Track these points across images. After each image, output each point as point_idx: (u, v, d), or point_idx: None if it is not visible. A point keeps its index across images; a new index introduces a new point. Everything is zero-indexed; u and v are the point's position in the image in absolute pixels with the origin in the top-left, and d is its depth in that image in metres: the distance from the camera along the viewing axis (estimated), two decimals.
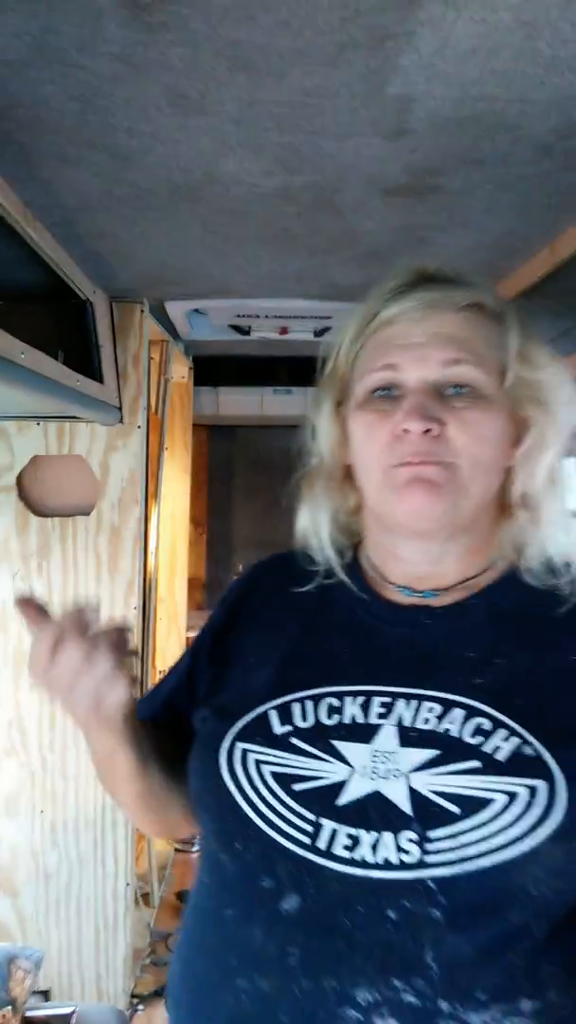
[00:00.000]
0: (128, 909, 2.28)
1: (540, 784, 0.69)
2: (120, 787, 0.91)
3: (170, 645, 3.17)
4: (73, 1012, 1.61)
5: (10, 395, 1.54)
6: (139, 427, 2.23)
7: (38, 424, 2.21)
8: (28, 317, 1.88)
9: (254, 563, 1.02)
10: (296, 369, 3.26)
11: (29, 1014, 1.61)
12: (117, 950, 2.28)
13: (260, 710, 0.82)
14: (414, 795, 0.72)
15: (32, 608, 0.81)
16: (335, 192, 1.37)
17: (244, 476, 3.91)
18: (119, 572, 2.24)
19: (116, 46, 0.93)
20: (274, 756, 0.78)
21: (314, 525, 0.92)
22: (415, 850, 0.69)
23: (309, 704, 0.81)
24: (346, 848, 0.71)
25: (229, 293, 2.15)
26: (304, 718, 0.80)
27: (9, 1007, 1.57)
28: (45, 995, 1.87)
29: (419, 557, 0.86)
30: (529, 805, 0.68)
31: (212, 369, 3.37)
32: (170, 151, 1.21)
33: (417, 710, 0.77)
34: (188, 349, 3.14)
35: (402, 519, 0.81)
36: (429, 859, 0.68)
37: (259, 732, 0.80)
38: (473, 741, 0.73)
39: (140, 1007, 2.52)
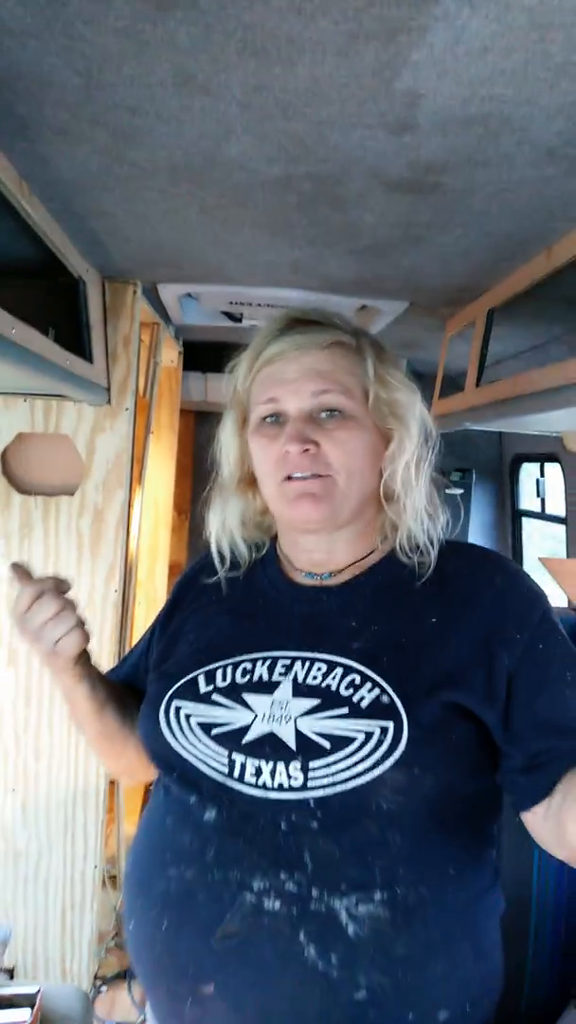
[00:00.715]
0: (95, 891, 2.28)
1: (390, 725, 0.89)
2: (83, 724, 1.17)
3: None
4: (38, 991, 1.61)
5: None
6: (127, 409, 2.22)
7: (24, 400, 2.19)
8: (19, 292, 1.86)
9: (200, 555, 1.23)
10: None
11: None
12: (83, 931, 2.29)
13: (191, 675, 1.03)
14: (299, 735, 0.92)
15: (22, 571, 1.06)
16: (337, 184, 1.36)
17: (209, 480, 3.88)
18: (101, 554, 2.23)
19: (124, 21, 0.91)
20: (199, 709, 0.99)
21: (225, 528, 1.14)
22: (300, 776, 0.90)
23: (229, 668, 1.01)
24: (252, 775, 0.92)
25: (223, 279, 2.13)
26: (224, 679, 1.01)
27: None
28: (10, 973, 1.87)
29: (315, 547, 1.07)
30: (380, 742, 0.89)
31: (202, 355, 3.35)
32: (173, 132, 1.19)
33: (309, 669, 0.97)
34: (179, 334, 3.12)
35: (296, 523, 1.04)
36: (310, 784, 0.89)
37: (189, 691, 1.02)
38: (345, 693, 0.94)
39: (104, 988, 2.53)
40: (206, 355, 3.37)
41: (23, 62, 1.01)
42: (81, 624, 1.05)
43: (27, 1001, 1.59)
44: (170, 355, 3.15)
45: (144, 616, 3.17)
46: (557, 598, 2.69)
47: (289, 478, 1.00)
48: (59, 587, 1.04)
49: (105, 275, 2.14)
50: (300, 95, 1.06)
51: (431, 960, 0.89)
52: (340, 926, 0.86)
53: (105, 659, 2.13)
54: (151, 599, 3.23)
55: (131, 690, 1.19)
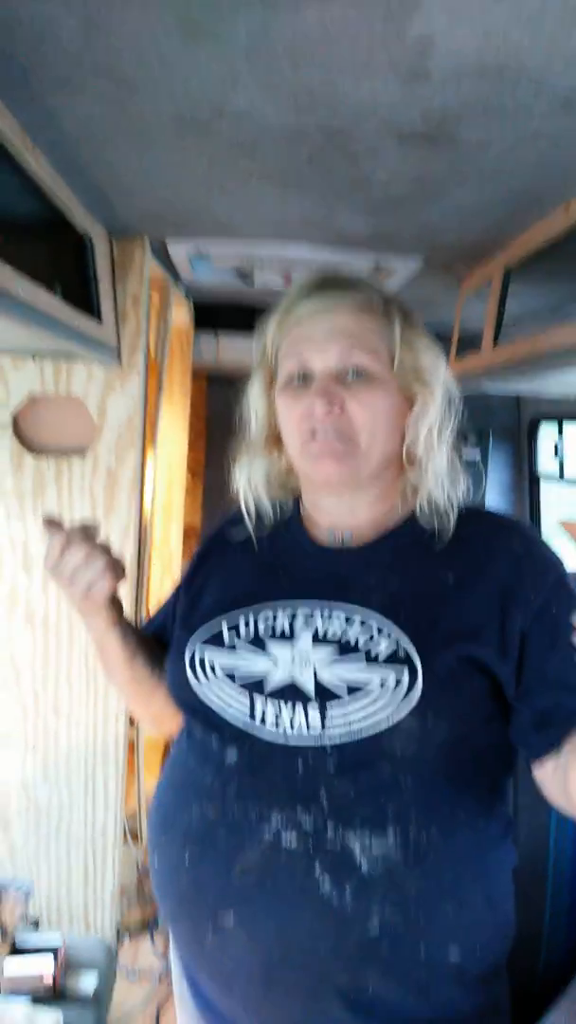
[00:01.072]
0: (117, 845, 2.33)
1: (405, 674, 0.94)
2: (113, 671, 1.24)
3: (163, 591, 3.18)
4: (63, 941, 1.66)
5: (6, 328, 1.51)
6: (138, 370, 2.20)
7: (34, 360, 2.18)
8: (25, 249, 1.83)
9: (221, 517, 1.29)
10: None
11: (19, 942, 1.65)
12: (105, 884, 2.34)
13: (216, 625, 1.09)
14: (318, 681, 0.98)
15: (53, 524, 1.11)
16: (348, 135, 1.32)
17: (242, 426, 3.87)
18: (115, 516, 2.23)
19: None
20: (223, 657, 1.05)
21: (251, 486, 1.17)
22: (318, 721, 0.95)
23: (251, 617, 1.07)
24: (272, 720, 0.98)
25: (232, 234, 2.09)
26: (247, 628, 1.06)
27: None
28: (35, 925, 1.93)
29: (336, 508, 1.11)
30: (395, 690, 0.94)
31: (213, 315, 3.31)
32: (178, 81, 1.16)
33: (328, 620, 1.02)
34: (189, 293, 3.08)
35: (318, 481, 1.08)
36: (327, 729, 0.95)
37: (214, 640, 1.07)
38: (363, 643, 0.99)
39: (127, 939, 2.60)
40: (218, 316, 3.33)
41: (21, 8, 0.98)
42: (113, 566, 1.10)
43: (51, 950, 1.64)
44: (181, 315, 3.11)
45: (159, 578, 3.19)
46: None
47: (313, 437, 1.04)
48: (86, 532, 1.09)
49: (112, 232, 2.11)
50: (309, 42, 1.02)
51: (441, 900, 0.94)
52: (354, 862, 0.92)
53: None
54: (166, 561, 3.25)
55: (160, 643, 1.26)
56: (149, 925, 2.64)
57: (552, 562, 1.04)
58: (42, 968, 1.57)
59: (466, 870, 0.96)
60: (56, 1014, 1.49)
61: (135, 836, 2.81)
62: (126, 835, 2.62)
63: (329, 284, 1.07)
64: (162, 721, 1.28)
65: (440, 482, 1.06)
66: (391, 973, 0.92)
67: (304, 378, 1.05)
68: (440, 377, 1.07)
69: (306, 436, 1.04)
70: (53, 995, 1.57)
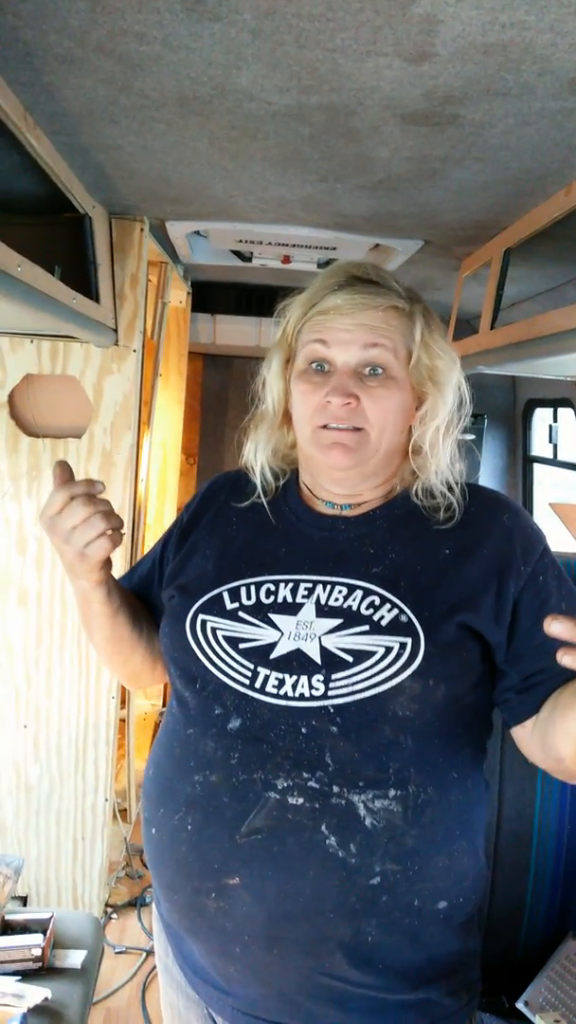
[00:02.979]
0: (105, 823, 2.35)
1: (408, 641, 0.98)
2: (94, 628, 1.20)
3: None
4: (51, 917, 1.68)
5: (4, 309, 1.50)
6: (134, 351, 2.20)
7: (31, 342, 2.17)
8: (24, 229, 1.82)
9: (215, 476, 1.30)
10: None
11: (8, 918, 1.67)
12: (94, 861, 2.36)
13: (216, 591, 1.09)
14: (323, 651, 1.00)
15: (64, 470, 1.06)
16: (351, 115, 1.31)
17: (238, 408, 3.86)
18: (109, 497, 2.22)
19: None
20: (225, 624, 1.06)
21: (256, 456, 1.19)
22: (321, 687, 0.98)
23: (252, 587, 1.08)
24: (274, 687, 1.00)
25: (232, 216, 2.08)
26: (248, 597, 1.07)
27: None
28: (23, 901, 1.94)
29: (338, 491, 1.13)
30: (399, 655, 0.97)
31: (211, 296, 3.30)
32: (181, 60, 1.15)
33: (330, 592, 1.05)
34: (187, 273, 3.06)
35: (325, 470, 1.10)
36: (331, 693, 0.97)
37: (215, 607, 1.08)
38: (366, 612, 1.02)
39: (114, 916, 2.63)
40: (216, 297, 3.32)
41: None
42: (113, 528, 1.05)
43: (40, 926, 1.66)
44: (178, 295, 3.10)
45: None
46: (566, 543, 2.69)
47: (325, 427, 1.06)
48: (91, 490, 1.04)
49: (112, 211, 2.10)
50: (313, 20, 1.02)
51: (435, 853, 0.99)
52: (358, 818, 0.95)
53: None
54: None
55: (141, 598, 1.26)
56: (137, 902, 2.67)
57: (538, 534, 1.10)
58: (31, 944, 1.59)
59: (456, 824, 1.01)
60: (44, 990, 1.50)
61: (124, 815, 2.83)
62: (115, 814, 2.64)
63: (359, 280, 1.08)
64: (139, 678, 1.31)
65: (440, 474, 1.11)
66: (389, 922, 0.96)
67: (323, 366, 1.08)
68: (452, 380, 1.10)
69: (318, 425, 1.07)
70: (42, 971, 1.59)
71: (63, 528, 1.03)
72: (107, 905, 2.60)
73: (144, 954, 2.45)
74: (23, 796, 2.33)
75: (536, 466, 3.51)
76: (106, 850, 2.38)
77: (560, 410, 3.12)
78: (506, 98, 1.21)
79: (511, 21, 0.98)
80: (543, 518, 3.28)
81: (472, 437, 3.45)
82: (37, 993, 1.50)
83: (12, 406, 2.22)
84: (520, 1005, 1.38)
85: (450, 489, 1.10)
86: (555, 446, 3.16)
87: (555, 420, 3.15)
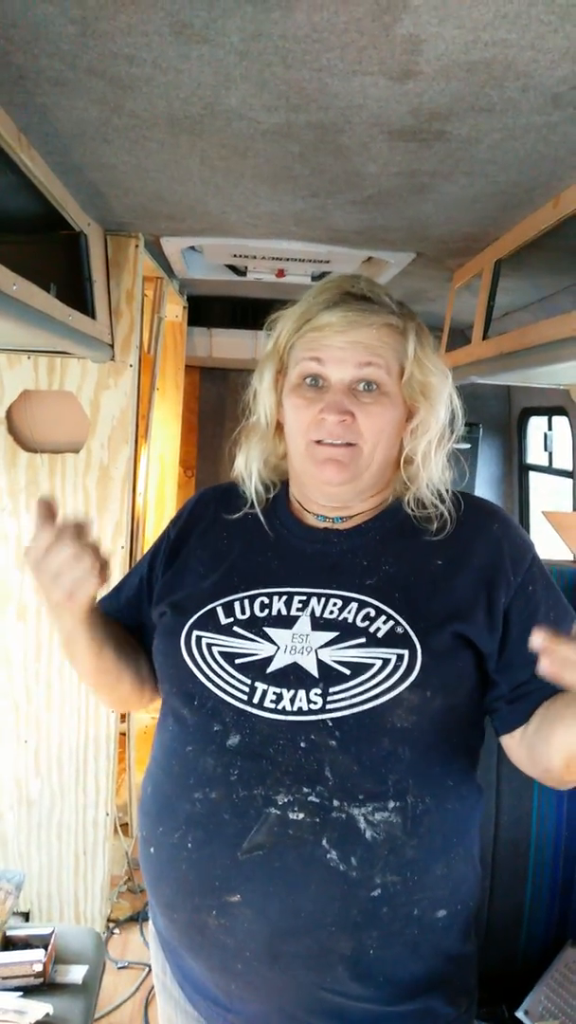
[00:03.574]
0: (107, 837, 2.35)
1: (405, 652, 0.98)
2: (79, 662, 1.19)
3: None
4: (52, 932, 1.68)
5: (2, 328, 1.52)
6: (131, 365, 2.21)
7: (28, 358, 2.19)
8: (20, 248, 1.85)
9: (202, 490, 1.30)
10: None
11: (9, 933, 1.67)
12: (95, 876, 2.36)
13: (209, 606, 1.08)
14: (320, 664, 1.00)
15: (47, 509, 1.01)
16: (339, 132, 1.33)
17: (235, 421, 3.87)
18: (107, 512, 2.25)
19: None
20: (220, 640, 1.05)
21: (247, 467, 1.19)
22: (319, 701, 0.98)
23: (247, 602, 1.07)
24: (272, 702, 0.99)
25: (226, 231, 2.11)
26: (243, 612, 1.07)
27: None
28: (25, 916, 1.94)
29: (330, 504, 1.13)
30: (396, 667, 0.97)
31: (206, 310, 3.32)
32: (171, 81, 1.17)
33: (325, 604, 1.05)
34: (183, 288, 3.09)
35: (319, 485, 1.10)
36: (329, 706, 0.97)
37: (209, 623, 1.07)
38: (362, 625, 1.02)
39: (116, 931, 2.62)
40: (211, 310, 3.34)
41: (17, 10, 0.99)
42: (99, 568, 1.00)
43: (41, 942, 1.66)
44: (174, 310, 3.12)
45: None
46: (560, 551, 2.69)
47: (319, 442, 1.06)
48: (79, 530, 1.00)
49: (107, 229, 2.12)
50: (300, 42, 1.04)
51: (433, 862, 0.99)
52: (359, 831, 0.95)
53: None
54: None
55: (122, 626, 1.22)
56: (139, 916, 2.66)
57: (528, 544, 1.11)
58: (32, 960, 1.59)
59: (453, 832, 1.02)
60: (46, 1005, 1.50)
61: (125, 829, 2.83)
62: (116, 828, 2.63)
63: (352, 297, 1.08)
64: (127, 703, 1.31)
65: (431, 486, 1.11)
66: (389, 934, 0.97)
67: (317, 382, 1.08)
68: (444, 394, 1.11)
69: (313, 437, 1.07)
70: (43, 986, 1.59)
71: (50, 568, 0.99)
72: (109, 920, 2.59)
73: (146, 969, 2.44)
74: (24, 811, 2.33)
75: (533, 474, 3.53)
76: (107, 864, 2.38)
77: (555, 418, 3.14)
78: (491, 114, 1.23)
79: (493, 39, 1.01)
80: (539, 526, 3.30)
81: (467, 446, 3.48)
82: (39, 1009, 1.50)
83: (10, 422, 2.24)
84: (520, 1014, 1.38)
85: (441, 499, 1.10)
86: (550, 454, 3.17)
87: (550, 428, 3.16)
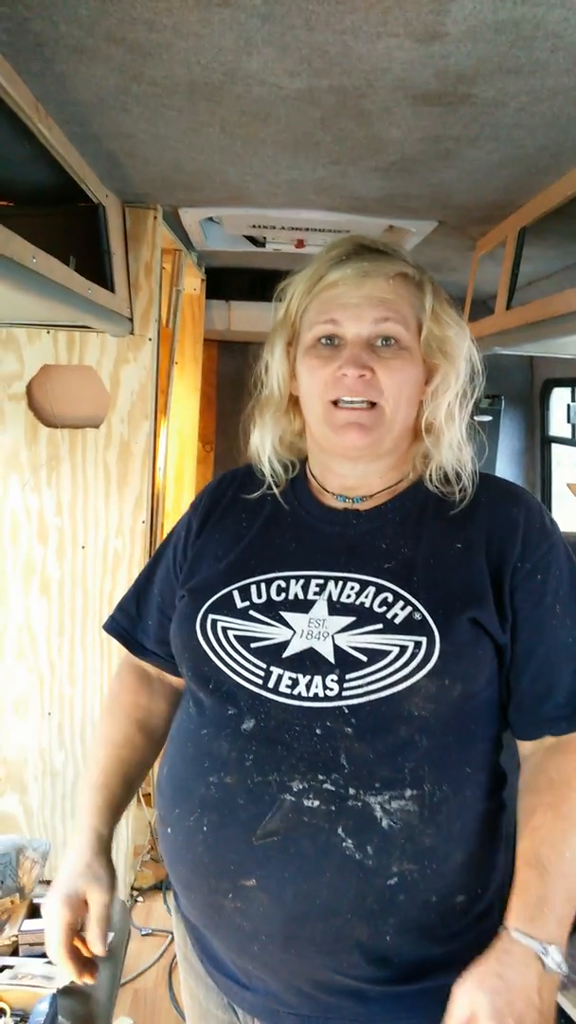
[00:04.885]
0: (130, 807, 2.37)
1: (423, 639, 0.96)
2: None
3: None
4: None
5: (20, 300, 1.51)
6: (150, 339, 2.20)
7: (48, 332, 2.18)
8: (38, 220, 1.83)
9: (221, 474, 1.27)
10: None
11: (36, 901, 1.69)
12: (119, 845, 2.39)
13: (225, 590, 1.07)
14: (337, 649, 0.98)
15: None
16: (362, 97, 1.30)
17: (253, 396, 3.85)
18: (128, 486, 2.25)
19: None
20: (236, 624, 1.04)
21: (263, 444, 1.16)
22: (336, 687, 0.96)
23: (263, 585, 1.06)
24: (288, 687, 0.98)
25: (245, 201, 2.08)
26: (259, 595, 1.05)
27: (17, 894, 1.66)
28: (51, 885, 1.97)
29: (350, 473, 1.10)
30: (414, 655, 0.95)
31: (224, 282, 3.29)
32: (191, 47, 1.15)
33: (342, 588, 1.02)
34: (201, 260, 3.06)
35: (339, 450, 1.07)
36: (345, 693, 0.95)
37: (225, 606, 1.05)
38: (380, 610, 0.99)
39: (140, 899, 2.66)
40: (230, 283, 3.31)
41: None
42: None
43: None
44: (193, 283, 3.10)
45: None
46: None
47: (337, 404, 1.03)
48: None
49: (125, 200, 2.10)
50: (323, 3, 1.01)
51: (452, 850, 0.97)
52: (375, 820, 0.94)
53: None
54: None
55: (159, 628, 1.21)
56: (162, 885, 2.70)
57: (547, 531, 1.06)
58: None
59: (472, 819, 0.99)
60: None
61: (148, 799, 2.87)
62: (139, 798, 2.67)
63: (365, 249, 1.05)
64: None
65: (454, 452, 1.08)
66: (406, 920, 0.95)
67: (332, 341, 1.04)
68: (464, 351, 1.07)
69: (330, 401, 1.03)
70: None
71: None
72: (133, 888, 2.64)
73: (170, 936, 2.48)
74: (49, 782, 2.36)
75: (556, 447, 3.49)
76: (131, 834, 2.42)
77: None
78: (519, 76, 1.20)
79: None
80: (562, 499, 3.26)
81: (489, 419, 3.44)
82: (65, 975, 1.53)
83: (30, 397, 2.24)
84: None
85: (464, 472, 1.07)
86: (573, 426, 3.13)
87: (573, 400, 3.12)
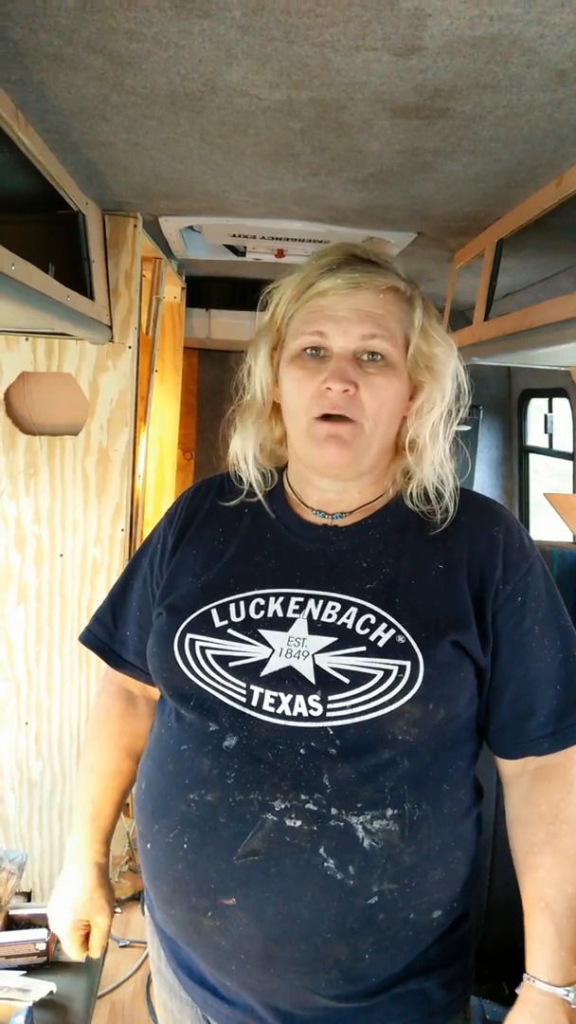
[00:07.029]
0: None
1: (407, 664, 0.95)
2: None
3: None
4: None
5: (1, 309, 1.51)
6: (130, 347, 2.20)
7: (26, 339, 2.17)
8: (17, 227, 1.83)
9: (197, 483, 1.25)
10: None
11: (12, 913, 1.68)
12: None
13: (204, 609, 1.05)
14: (317, 670, 0.97)
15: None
16: (341, 109, 1.32)
17: (234, 402, 3.86)
18: (107, 494, 2.24)
19: None
20: (214, 643, 1.02)
21: (243, 451, 1.13)
22: (319, 707, 0.95)
23: (242, 603, 1.04)
24: (271, 705, 0.96)
25: (225, 211, 2.08)
26: (238, 614, 1.03)
27: None
28: (27, 896, 1.95)
29: (330, 487, 1.08)
30: (398, 679, 0.94)
31: (205, 290, 3.30)
32: (171, 57, 1.15)
33: (323, 607, 1.01)
34: (181, 268, 3.06)
35: (319, 465, 1.04)
36: (329, 714, 0.94)
37: (203, 625, 1.03)
38: (362, 632, 0.98)
39: (118, 910, 2.64)
40: (210, 291, 3.31)
41: None
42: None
43: (44, 921, 1.66)
44: (173, 291, 3.10)
45: None
46: (562, 533, 2.70)
47: (321, 419, 1.00)
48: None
49: (105, 208, 2.10)
50: (302, 16, 1.02)
51: (431, 867, 0.97)
52: (357, 840, 0.93)
53: None
54: None
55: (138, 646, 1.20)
56: (139, 896, 2.68)
57: (527, 551, 1.06)
58: (36, 939, 1.60)
59: (450, 836, 0.99)
60: (50, 984, 1.51)
61: (127, 809, 2.84)
62: None
63: (356, 259, 1.02)
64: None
65: (436, 471, 1.06)
66: (385, 938, 0.95)
67: (318, 352, 1.02)
68: (450, 369, 1.05)
69: (314, 416, 1.01)
70: (47, 965, 1.60)
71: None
72: None
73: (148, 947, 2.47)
74: (26, 792, 2.34)
75: (534, 457, 3.52)
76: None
77: (555, 400, 3.12)
78: (495, 90, 1.21)
79: (498, 14, 0.99)
80: (539, 508, 3.29)
81: (467, 428, 3.47)
82: (42, 987, 1.51)
83: (8, 404, 2.22)
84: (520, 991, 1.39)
85: (444, 490, 1.06)
86: (550, 436, 3.16)
87: (550, 410, 3.15)
